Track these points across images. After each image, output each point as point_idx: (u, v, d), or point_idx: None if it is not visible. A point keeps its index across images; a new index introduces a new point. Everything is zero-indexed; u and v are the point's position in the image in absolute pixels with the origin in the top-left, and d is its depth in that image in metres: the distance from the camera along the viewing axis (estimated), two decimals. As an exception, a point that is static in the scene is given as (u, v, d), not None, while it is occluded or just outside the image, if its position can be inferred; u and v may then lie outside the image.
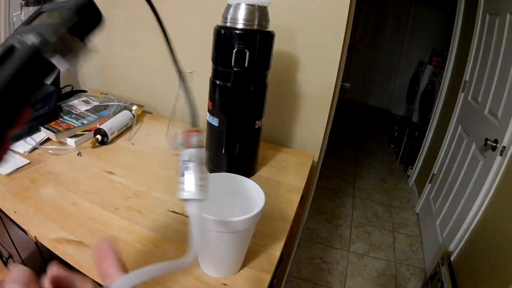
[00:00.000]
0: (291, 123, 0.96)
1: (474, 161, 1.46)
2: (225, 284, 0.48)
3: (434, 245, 1.69)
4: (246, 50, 0.60)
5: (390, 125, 3.46)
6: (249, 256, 0.52)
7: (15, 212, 0.57)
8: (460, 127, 1.75)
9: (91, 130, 0.84)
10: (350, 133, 3.49)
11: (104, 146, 0.83)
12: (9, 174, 0.66)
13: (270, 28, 0.64)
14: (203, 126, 0.77)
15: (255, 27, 0.61)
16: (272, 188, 0.73)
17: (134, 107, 0.98)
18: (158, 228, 0.57)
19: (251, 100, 0.66)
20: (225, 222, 0.40)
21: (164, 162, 0.79)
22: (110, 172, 0.72)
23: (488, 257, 1.14)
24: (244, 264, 0.51)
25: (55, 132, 0.79)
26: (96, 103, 0.98)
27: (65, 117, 0.87)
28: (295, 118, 0.95)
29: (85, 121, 0.86)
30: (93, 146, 0.80)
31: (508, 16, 1.32)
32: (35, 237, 0.53)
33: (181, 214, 0.61)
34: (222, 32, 0.61)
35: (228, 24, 0.61)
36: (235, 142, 0.69)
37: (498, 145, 1.24)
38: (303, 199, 0.77)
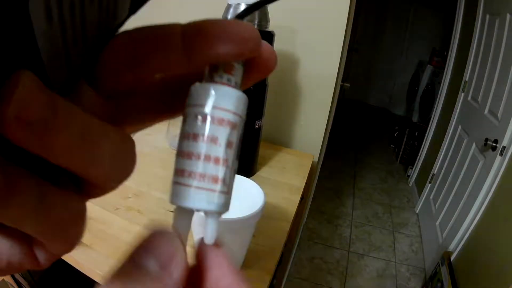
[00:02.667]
0: (291, 123, 0.96)
1: (474, 161, 1.46)
2: (225, 284, 0.48)
3: (434, 245, 1.69)
4: (246, 50, 0.60)
5: (390, 125, 3.46)
6: (249, 256, 0.52)
7: (15, 212, 0.57)
8: (460, 127, 1.75)
9: (91, 130, 0.84)
10: (350, 133, 3.49)
11: (104, 146, 0.83)
12: (9, 174, 0.66)
13: (270, 28, 0.64)
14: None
15: (255, 27, 0.61)
16: (272, 188, 0.72)
17: (134, 107, 0.98)
18: (158, 228, 0.57)
19: (251, 100, 0.66)
20: (224, 222, 0.40)
21: (164, 162, 0.79)
22: (110, 172, 0.72)
23: (488, 257, 1.14)
24: (244, 264, 0.51)
25: (55, 132, 0.79)
26: (96, 103, 0.98)
27: (65, 117, 0.87)
28: (295, 118, 0.95)
29: (85, 121, 0.86)
30: (93, 146, 0.80)
31: (508, 16, 1.32)
32: (35, 237, 0.53)
33: (181, 214, 0.61)
34: (222, 32, 0.61)
35: (228, 24, 0.61)
36: (235, 142, 0.69)
37: (498, 145, 1.24)
38: (303, 199, 0.77)
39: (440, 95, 2.20)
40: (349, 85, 1.16)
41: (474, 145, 1.51)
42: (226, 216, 0.43)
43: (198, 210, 0.13)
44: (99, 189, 0.11)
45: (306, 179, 0.78)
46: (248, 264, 0.52)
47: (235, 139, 0.12)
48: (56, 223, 0.10)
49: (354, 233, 1.98)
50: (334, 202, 2.26)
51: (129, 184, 0.68)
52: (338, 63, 0.85)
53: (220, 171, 0.12)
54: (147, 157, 0.80)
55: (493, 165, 1.25)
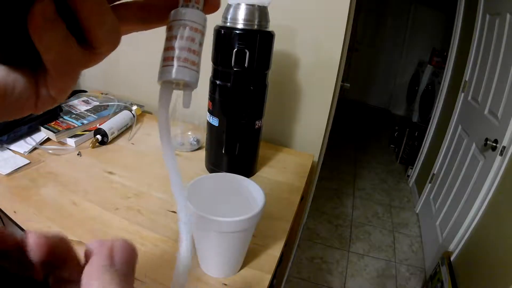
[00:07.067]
0: (291, 123, 0.96)
1: (474, 161, 1.46)
2: (225, 284, 0.48)
3: (434, 245, 1.69)
4: (246, 50, 0.60)
5: (390, 125, 3.46)
6: (249, 256, 0.52)
7: (15, 212, 0.57)
8: (460, 127, 1.75)
9: (91, 130, 0.84)
10: (350, 133, 3.49)
11: (104, 146, 0.83)
12: (9, 174, 0.66)
13: (270, 28, 0.64)
14: (203, 126, 0.78)
15: (255, 27, 0.61)
16: (272, 188, 0.73)
17: (134, 107, 0.98)
18: (158, 228, 0.57)
19: (251, 100, 0.66)
20: (225, 222, 0.40)
21: (164, 162, 0.79)
22: (110, 172, 0.72)
23: (488, 257, 1.14)
24: (244, 264, 0.51)
25: (55, 132, 0.79)
26: (96, 103, 0.98)
27: (65, 117, 0.87)
28: (295, 118, 0.95)
29: (85, 121, 0.86)
30: (93, 146, 0.80)
31: (508, 16, 1.32)
32: (35, 237, 0.53)
33: (181, 214, 0.61)
34: (222, 32, 0.61)
35: (228, 24, 0.61)
36: (235, 142, 0.69)
37: (498, 145, 1.24)
38: (303, 199, 0.77)
39: (440, 95, 2.20)
40: (349, 85, 1.16)
41: (474, 145, 1.51)
42: (227, 217, 0.43)
43: (181, 81, 0.19)
44: (97, 51, 0.17)
45: (306, 179, 0.78)
46: (248, 264, 0.52)
47: (202, 42, 0.20)
48: (68, 57, 0.16)
49: (354, 233, 1.98)
50: (334, 202, 2.26)
51: (129, 184, 0.68)
52: (338, 63, 0.85)
53: (196, 59, 0.19)
54: (147, 157, 0.80)
55: (493, 165, 1.25)
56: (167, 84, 0.19)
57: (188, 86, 0.20)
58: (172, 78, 0.18)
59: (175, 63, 0.18)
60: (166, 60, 0.19)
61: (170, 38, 0.19)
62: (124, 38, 0.18)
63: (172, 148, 0.21)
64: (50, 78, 0.17)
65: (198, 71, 0.19)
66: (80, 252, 0.19)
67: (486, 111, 1.44)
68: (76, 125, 0.84)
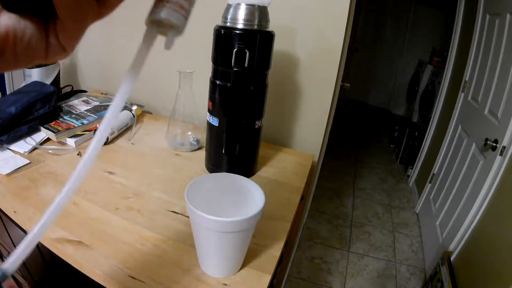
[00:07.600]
0: (291, 123, 0.96)
1: (474, 161, 1.46)
2: (225, 284, 0.48)
3: (434, 245, 1.69)
4: (246, 50, 0.60)
5: (390, 125, 3.45)
6: (249, 256, 0.52)
7: (15, 212, 0.57)
8: (460, 127, 1.75)
9: (91, 130, 0.84)
10: (350, 133, 3.49)
11: (104, 146, 0.83)
12: (9, 174, 0.66)
13: (270, 28, 0.64)
14: (203, 126, 0.78)
15: (255, 27, 0.61)
16: (272, 188, 0.73)
17: (134, 107, 0.98)
18: (158, 228, 0.57)
19: (251, 100, 0.66)
20: (225, 222, 0.40)
21: (164, 162, 0.79)
22: (110, 172, 0.72)
23: (488, 257, 1.14)
24: (244, 264, 0.51)
25: (55, 132, 0.79)
26: (96, 103, 0.98)
27: (65, 117, 0.87)
28: (295, 118, 0.95)
29: (85, 121, 0.86)
30: (93, 146, 0.80)
31: (508, 16, 1.32)
32: (35, 237, 0.53)
33: (181, 214, 0.61)
34: (222, 32, 0.61)
35: (228, 24, 0.61)
36: (235, 142, 0.69)
37: (498, 145, 1.24)
38: (303, 199, 0.77)
39: (440, 95, 2.20)
40: (349, 85, 1.16)
41: (474, 145, 1.51)
42: (227, 217, 0.43)
43: (167, 21, 0.19)
44: (106, 1, 0.18)
45: (306, 179, 0.78)
46: (248, 264, 0.52)
47: None
48: (80, 2, 0.16)
49: (354, 233, 1.98)
50: (334, 202, 2.26)
51: (129, 184, 0.68)
52: (338, 63, 0.85)
53: (186, 4, 0.20)
54: (147, 157, 0.80)
55: (493, 165, 1.25)
56: (153, 26, 0.20)
57: (173, 29, 0.21)
58: (161, 17, 0.19)
59: (165, 5, 0.19)
60: (157, 2, 0.20)
61: None
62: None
63: (138, 72, 0.22)
64: (60, 24, 0.17)
65: (187, 17, 0.21)
66: None
67: (486, 111, 1.44)
68: (76, 125, 0.84)
